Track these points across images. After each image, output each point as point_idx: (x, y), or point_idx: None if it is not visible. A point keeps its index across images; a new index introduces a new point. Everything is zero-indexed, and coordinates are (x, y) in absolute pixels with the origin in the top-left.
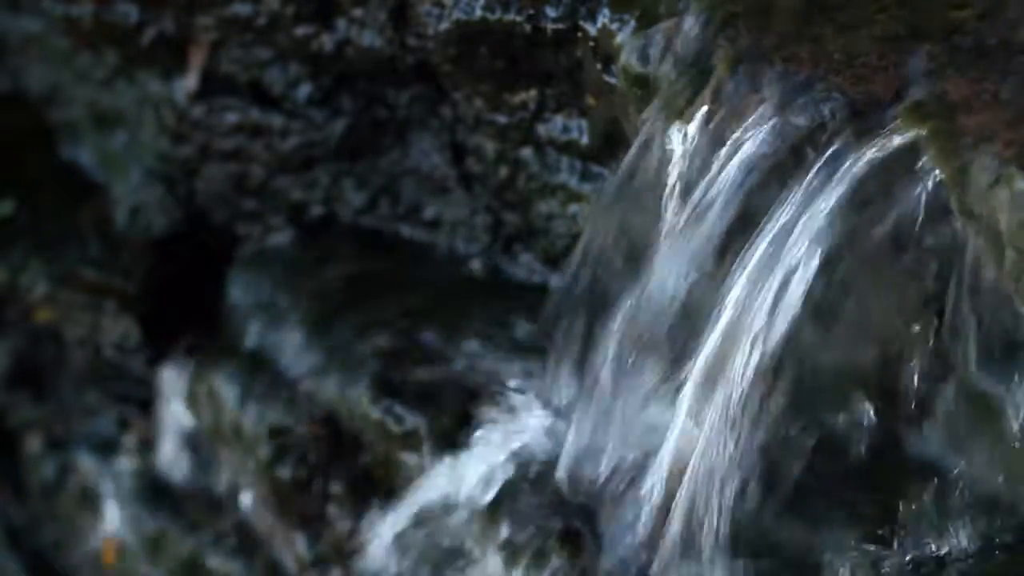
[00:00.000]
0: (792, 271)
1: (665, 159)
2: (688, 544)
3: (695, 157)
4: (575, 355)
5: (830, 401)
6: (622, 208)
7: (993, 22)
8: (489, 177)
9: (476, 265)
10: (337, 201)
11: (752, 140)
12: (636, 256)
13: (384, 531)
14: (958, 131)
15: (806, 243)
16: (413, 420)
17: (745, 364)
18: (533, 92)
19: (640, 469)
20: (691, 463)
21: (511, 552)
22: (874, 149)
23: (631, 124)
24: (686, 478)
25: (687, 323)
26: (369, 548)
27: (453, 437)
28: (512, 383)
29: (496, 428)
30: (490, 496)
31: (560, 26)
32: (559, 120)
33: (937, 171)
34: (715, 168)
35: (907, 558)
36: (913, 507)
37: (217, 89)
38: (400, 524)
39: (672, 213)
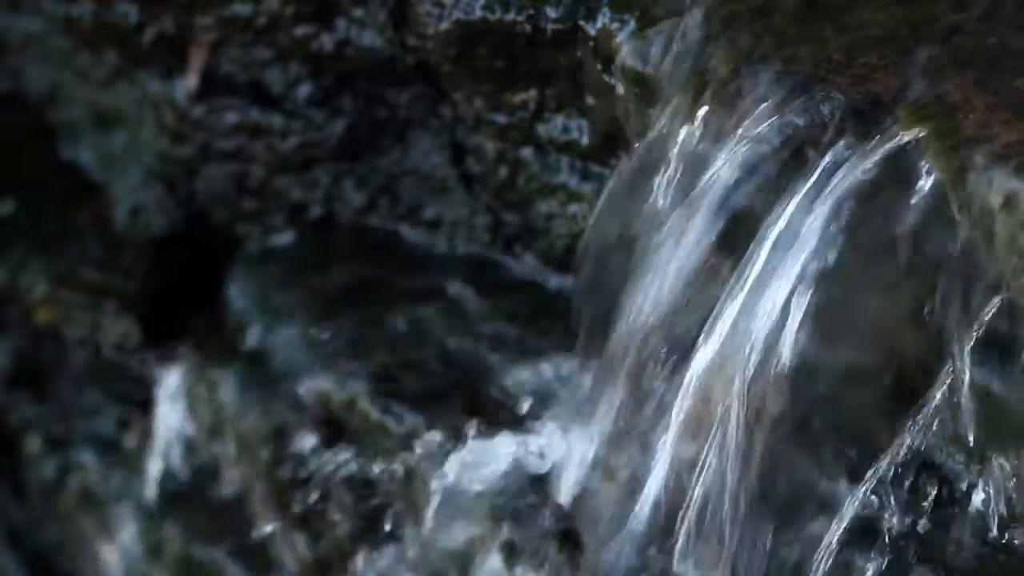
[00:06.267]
0: (792, 272)
1: (665, 159)
2: (688, 552)
3: (695, 157)
4: (577, 356)
5: (831, 404)
6: (625, 210)
7: (993, 22)
8: (489, 177)
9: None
10: (337, 201)
11: (752, 140)
12: (637, 258)
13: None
14: (958, 131)
15: (807, 243)
16: (413, 420)
17: (745, 368)
18: (533, 92)
19: (638, 473)
20: (689, 473)
21: (511, 552)
22: (874, 149)
23: (631, 124)
24: (687, 485)
25: (686, 324)
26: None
27: (453, 438)
28: (513, 383)
29: (496, 428)
30: (490, 496)
31: (560, 26)
32: (559, 120)
33: (937, 171)
34: (715, 168)
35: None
36: (915, 507)
37: (217, 89)
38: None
39: (672, 214)
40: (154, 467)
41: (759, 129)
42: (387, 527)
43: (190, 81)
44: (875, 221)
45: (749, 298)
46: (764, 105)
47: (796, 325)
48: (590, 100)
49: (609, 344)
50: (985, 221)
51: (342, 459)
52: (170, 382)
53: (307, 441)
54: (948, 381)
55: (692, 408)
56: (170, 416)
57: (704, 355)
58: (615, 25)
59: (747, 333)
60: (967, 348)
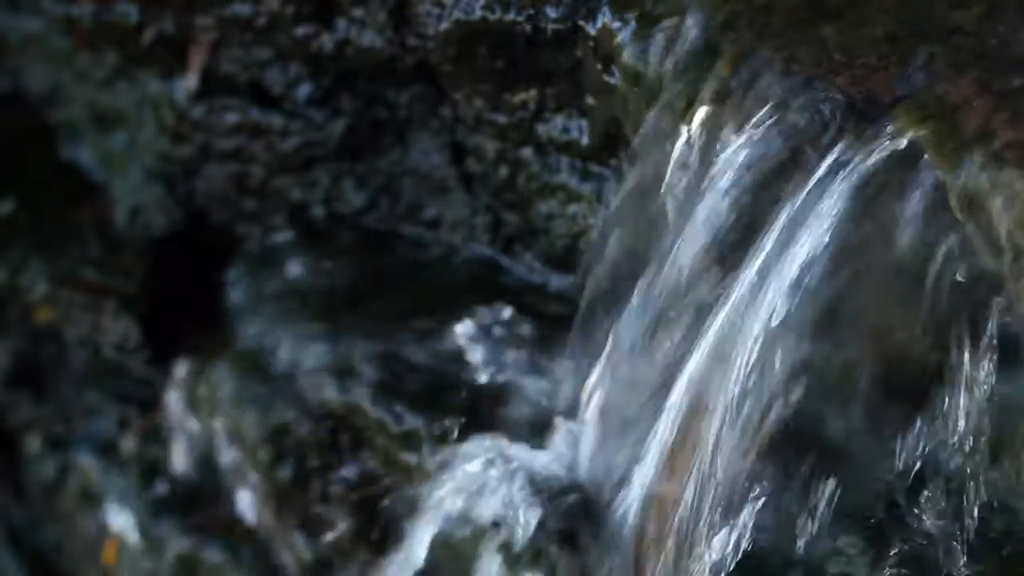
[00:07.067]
0: (793, 272)
1: (666, 160)
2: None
3: (696, 158)
4: (577, 355)
5: (831, 403)
6: (628, 213)
7: (993, 22)
8: (489, 177)
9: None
10: (337, 201)
11: (753, 141)
12: (640, 260)
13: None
14: (958, 131)
15: (807, 244)
16: (413, 420)
17: (744, 366)
18: (533, 92)
19: (632, 473)
20: (685, 468)
21: (511, 552)
22: (874, 149)
23: (631, 124)
24: (681, 481)
25: (686, 324)
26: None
27: (453, 438)
28: (512, 383)
29: (496, 429)
30: (490, 497)
31: (560, 26)
32: (559, 120)
33: (936, 171)
34: (716, 169)
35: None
36: (915, 507)
37: (217, 89)
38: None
39: (673, 215)
40: (154, 466)
41: (759, 129)
42: (387, 528)
43: (190, 81)
44: (876, 221)
45: (748, 297)
46: (764, 105)
47: (795, 323)
48: (590, 100)
49: (609, 345)
50: (985, 221)
51: (341, 458)
52: (170, 381)
53: (306, 441)
54: (952, 381)
55: (684, 409)
56: (170, 415)
57: (699, 357)
58: (615, 25)
59: (744, 332)
60: (968, 347)
